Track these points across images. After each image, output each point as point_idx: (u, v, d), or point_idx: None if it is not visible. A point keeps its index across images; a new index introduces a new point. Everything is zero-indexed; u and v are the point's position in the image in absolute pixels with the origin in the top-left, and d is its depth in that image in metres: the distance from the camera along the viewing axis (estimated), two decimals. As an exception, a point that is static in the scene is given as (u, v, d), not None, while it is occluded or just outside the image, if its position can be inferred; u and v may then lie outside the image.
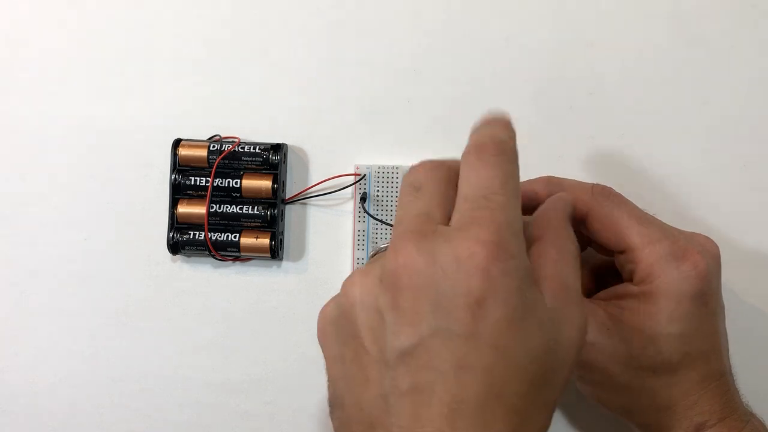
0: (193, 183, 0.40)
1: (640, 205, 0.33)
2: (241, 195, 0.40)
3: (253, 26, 0.41)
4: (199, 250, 0.40)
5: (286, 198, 0.41)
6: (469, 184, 0.26)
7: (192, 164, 0.40)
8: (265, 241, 0.40)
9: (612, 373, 0.31)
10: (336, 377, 0.26)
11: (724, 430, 0.30)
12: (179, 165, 0.41)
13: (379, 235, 0.40)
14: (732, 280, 0.38)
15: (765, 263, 0.39)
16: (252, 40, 0.41)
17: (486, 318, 0.23)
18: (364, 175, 0.40)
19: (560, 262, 0.26)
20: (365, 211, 0.40)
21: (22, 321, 0.42)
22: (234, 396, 0.41)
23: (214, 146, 0.40)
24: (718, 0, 0.39)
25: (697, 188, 0.39)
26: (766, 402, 0.34)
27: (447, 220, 0.26)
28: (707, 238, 0.33)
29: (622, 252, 0.32)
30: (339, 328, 0.26)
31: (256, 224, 0.40)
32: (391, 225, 0.39)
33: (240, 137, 0.41)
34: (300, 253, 0.41)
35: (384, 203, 0.40)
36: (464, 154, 0.27)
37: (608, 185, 0.34)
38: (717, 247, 0.32)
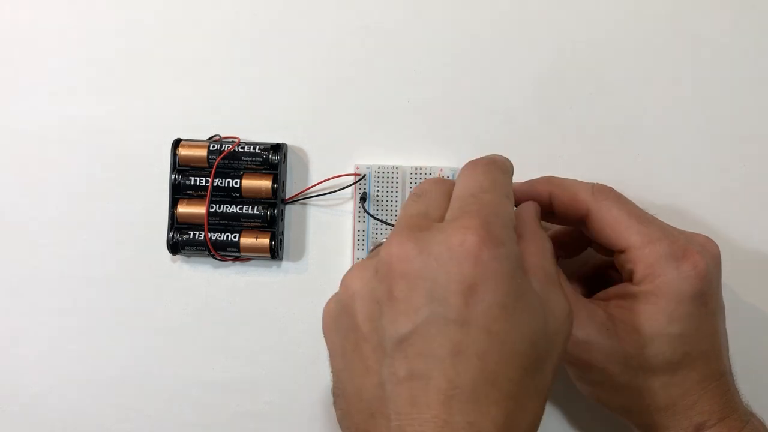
0: (193, 183, 0.40)
1: (640, 205, 0.33)
2: (241, 195, 0.40)
3: (253, 26, 0.41)
4: (199, 250, 0.40)
5: (286, 198, 0.41)
6: (460, 186, 0.28)
7: (192, 164, 0.41)
8: (265, 241, 0.40)
9: (612, 373, 0.31)
10: (338, 369, 0.27)
11: (724, 430, 0.31)
12: (179, 165, 0.41)
13: (379, 235, 0.40)
14: (732, 280, 0.38)
15: (765, 263, 0.39)
16: (252, 40, 0.41)
17: (479, 303, 0.24)
18: (364, 175, 0.40)
19: (540, 255, 0.27)
20: (365, 211, 0.40)
21: (22, 321, 0.42)
22: (234, 396, 0.41)
23: (214, 146, 0.40)
24: (718, 0, 0.39)
25: (697, 188, 0.39)
26: (766, 402, 0.34)
27: (443, 220, 0.27)
28: (707, 238, 0.33)
29: (621, 251, 0.32)
30: (340, 321, 0.27)
31: (256, 224, 0.40)
32: (391, 225, 0.39)
33: (240, 137, 0.41)
34: (300, 253, 0.41)
35: (384, 203, 0.40)
36: (460, 170, 0.29)
37: (608, 185, 0.34)
38: (717, 247, 0.32)
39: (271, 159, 0.40)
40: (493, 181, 0.28)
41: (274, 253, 0.40)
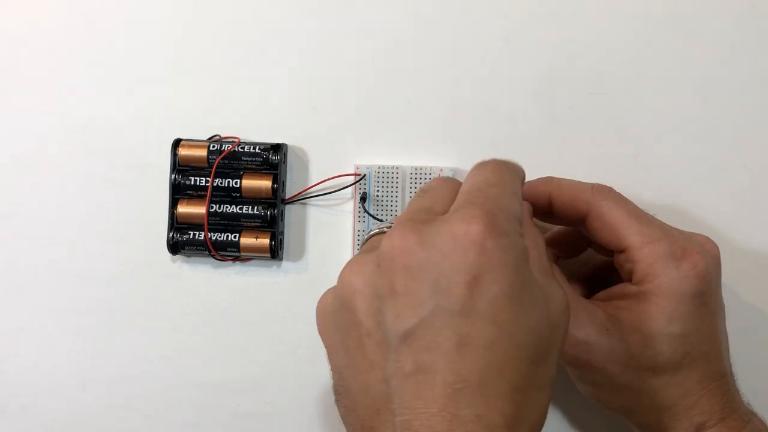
0: (193, 183, 0.40)
1: (639, 205, 0.33)
2: (241, 195, 0.40)
3: (252, 26, 0.41)
4: (199, 250, 0.40)
5: (286, 198, 0.41)
6: (468, 183, 0.28)
7: (192, 164, 0.41)
8: (265, 241, 0.40)
9: (612, 373, 0.31)
10: (340, 366, 0.27)
11: (724, 430, 0.30)
12: (179, 165, 0.41)
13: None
14: (732, 280, 0.38)
15: (765, 263, 0.39)
16: (252, 40, 0.41)
17: (485, 294, 0.24)
18: (364, 175, 0.40)
19: (536, 249, 0.27)
20: (365, 211, 0.40)
21: (22, 321, 0.42)
22: (234, 396, 0.41)
23: (214, 146, 0.40)
24: (717, 0, 0.39)
25: (696, 188, 0.39)
26: (767, 402, 0.34)
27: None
28: (707, 238, 0.33)
29: (621, 251, 0.32)
30: (340, 318, 0.26)
31: (256, 224, 0.40)
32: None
33: (240, 137, 0.41)
34: (300, 253, 0.41)
35: (384, 203, 0.40)
36: (470, 170, 0.29)
37: (608, 185, 0.34)
38: (717, 248, 0.32)
39: (271, 159, 0.40)
40: (501, 178, 0.28)
41: (274, 253, 0.40)
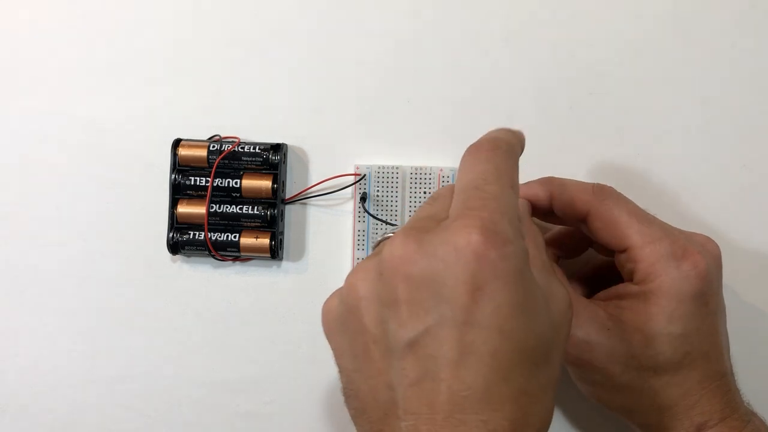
0: (193, 183, 0.40)
1: (640, 205, 0.33)
2: (241, 195, 0.40)
3: (252, 26, 0.41)
4: (199, 250, 0.40)
5: (286, 198, 0.41)
6: (463, 178, 0.27)
7: (192, 164, 0.40)
8: (265, 241, 0.40)
9: (612, 373, 0.31)
10: (348, 369, 0.27)
11: (725, 430, 0.31)
12: (179, 165, 0.41)
13: (379, 235, 0.40)
14: (732, 281, 0.38)
15: (765, 263, 0.39)
16: (252, 40, 0.41)
17: (489, 303, 0.23)
18: (364, 175, 0.40)
19: (535, 247, 0.27)
20: (365, 211, 0.40)
21: (22, 321, 0.42)
22: (234, 396, 0.41)
23: (214, 146, 0.40)
24: (717, 0, 0.39)
25: (696, 188, 0.39)
26: (767, 402, 0.34)
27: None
28: (708, 238, 0.33)
29: (622, 251, 0.32)
30: (346, 323, 0.26)
31: (256, 224, 0.40)
32: (391, 224, 0.39)
33: (240, 137, 0.41)
34: (300, 253, 0.41)
35: (384, 203, 0.40)
36: (462, 155, 0.28)
37: (608, 185, 0.34)
38: (717, 248, 0.32)
39: (271, 159, 0.40)
40: (497, 169, 0.27)
41: (274, 253, 0.40)
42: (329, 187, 0.40)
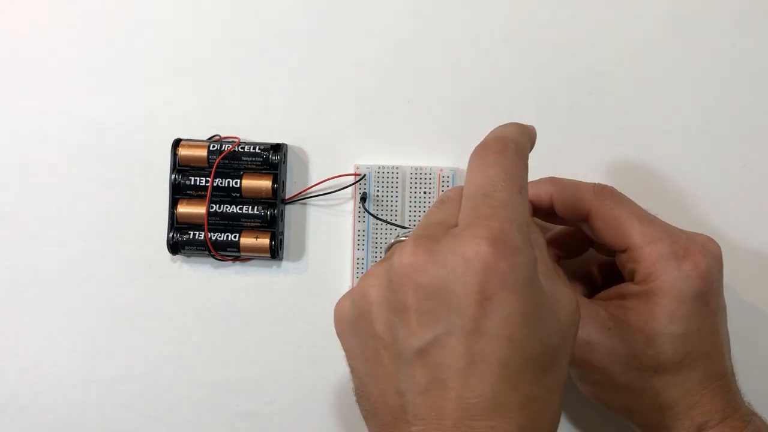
0: (193, 183, 0.40)
1: (640, 205, 0.33)
2: (241, 195, 0.40)
3: (252, 26, 0.41)
4: (199, 250, 0.40)
5: (286, 198, 0.41)
6: (471, 184, 0.27)
7: (192, 164, 0.40)
8: (265, 241, 0.40)
9: (613, 373, 0.31)
10: (361, 372, 0.27)
11: (725, 430, 0.31)
12: (179, 165, 0.41)
13: (379, 235, 0.40)
14: (732, 281, 0.38)
15: (765, 263, 0.39)
16: (252, 40, 0.41)
17: (498, 313, 0.24)
18: (364, 175, 0.40)
19: (539, 251, 0.27)
20: (366, 211, 0.40)
21: (22, 321, 0.42)
22: (234, 396, 0.41)
23: (214, 146, 0.40)
24: (717, 0, 0.39)
25: (696, 188, 0.39)
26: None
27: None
28: (709, 238, 0.33)
29: (623, 251, 0.32)
30: (358, 327, 0.27)
31: (256, 224, 0.40)
32: (391, 224, 0.39)
33: (240, 137, 0.41)
34: (300, 253, 0.41)
35: (384, 203, 0.40)
36: (470, 155, 0.28)
37: (609, 185, 0.34)
38: (718, 248, 0.32)
39: (271, 159, 0.40)
40: (505, 173, 0.26)
41: (274, 253, 0.40)
42: (329, 187, 0.40)
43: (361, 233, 0.40)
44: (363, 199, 0.40)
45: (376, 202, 0.40)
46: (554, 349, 0.25)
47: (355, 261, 0.40)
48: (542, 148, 0.39)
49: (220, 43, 0.42)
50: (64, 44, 0.42)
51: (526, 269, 0.24)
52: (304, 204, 0.41)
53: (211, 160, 0.40)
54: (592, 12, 0.40)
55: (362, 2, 0.41)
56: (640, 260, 0.31)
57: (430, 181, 0.40)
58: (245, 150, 0.40)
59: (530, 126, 0.29)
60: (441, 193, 0.39)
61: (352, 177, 0.40)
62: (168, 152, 0.41)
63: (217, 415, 0.41)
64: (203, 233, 0.40)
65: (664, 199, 0.39)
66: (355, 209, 0.40)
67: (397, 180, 0.40)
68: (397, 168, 0.40)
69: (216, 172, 0.40)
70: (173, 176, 0.41)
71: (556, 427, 0.25)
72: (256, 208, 0.40)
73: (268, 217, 0.40)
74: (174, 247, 0.41)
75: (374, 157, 0.40)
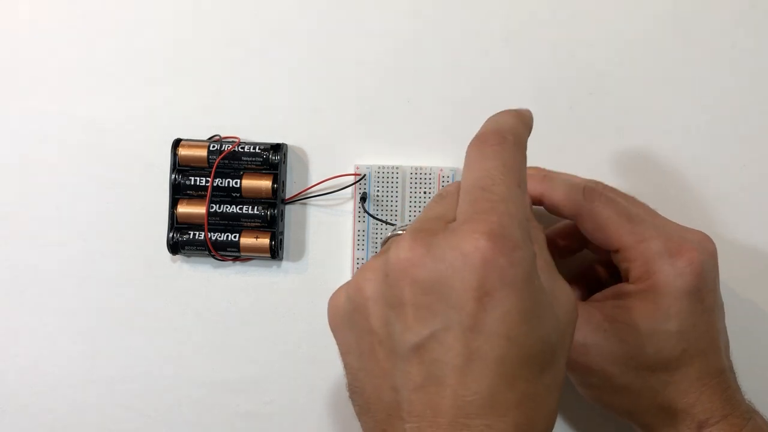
0: (193, 183, 0.40)
1: (640, 204, 0.33)
2: (241, 195, 0.40)
3: (252, 26, 0.41)
4: (199, 250, 0.40)
5: (286, 198, 0.41)
6: (469, 177, 0.26)
7: (192, 164, 0.40)
8: (265, 241, 0.40)
9: (611, 374, 0.31)
10: (354, 367, 0.27)
11: (726, 428, 0.30)
12: (179, 165, 0.41)
13: (379, 235, 0.40)
14: (732, 281, 0.38)
15: (766, 263, 0.39)
16: (252, 40, 0.41)
17: (496, 309, 0.23)
18: (364, 175, 0.40)
19: (540, 247, 0.27)
20: (365, 211, 0.40)
21: (22, 321, 0.42)
22: (234, 396, 0.41)
23: (214, 146, 0.40)
24: (717, 0, 0.39)
25: (696, 188, 0.39)
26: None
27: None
28: (704, 235, 0.32)
29: (616, 251, 0.32)
30: (353, 322, 0.26)
31: (256, 224, 0.40)
32: (391, 224, 0.39)
33: (240, 137, 0.41)
34: (300, 253, 0.41)
35: (384, 203, 0.40)
36: (467, 147, 0.27)
37: (601, 181, 0.34)
38: (713, 244, 0.32)
39: (271, 159, 0.40)
40: (504, 166, 0.26)
41: (274, 253, 0.40)
42: (329, 187, 0.40)
43: (361, 233, 0.40)
44: (363, 199, 0.40)
45: (376, 202, 0.40)
46: (552, 347, 0.25)
47: (355, 261, 0.40)
48: (542, 148, 0.39)
49: (220, 43, 0.42)
50: (64, 44, 0.42)
51: (526, 265, 0.24)
52: (304, 204, 0.41)
53: (211, 160, 0.40)
54: (592, 12, 0.40)
55: (362, 2, 0.41)
56: (632, 259, 0.31)
57: (430, 181, 0.40)
58: (245, 150, 0.40)
59: (526, 111, 0.29)
60: (441, 192, 0.39)
61: (352, 177, 0.40)
62: (168, 152, 0.41)
63: (217, 415, 0.41)
64: (203, 233, 0.40)
65: (664, 199, 0.39)
66: (355, 209, 0.40)
67: (397, 180, 0.40)
68: (397, 168, 0.40)
69: (216, 172, 0.40)
70: (173, 176, 0.41)
71: (552, 425, 0.25)
72: (256, 208, 0.40)
73: (268, 217, 0.40)
74: (174, 247, 0.41)
75: (374, 157, 0.40)
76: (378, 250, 0.40)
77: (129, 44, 0.42)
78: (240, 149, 0.40)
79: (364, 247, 0.40)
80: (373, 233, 0.40)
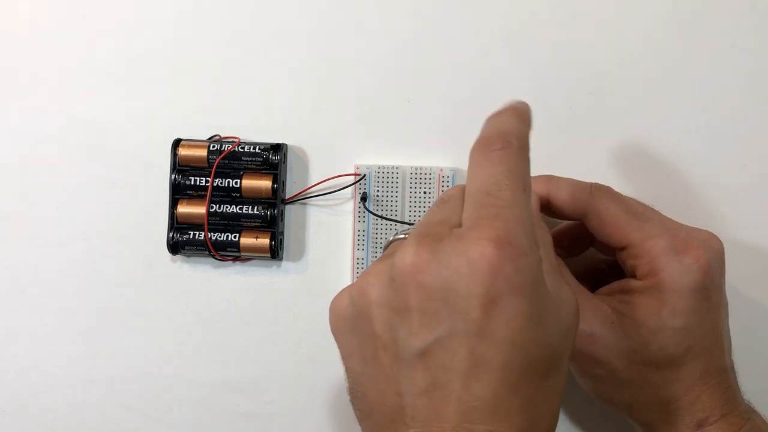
0: (193, 183, 0.40)
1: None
2: (241, 195, 0.40)
3: (252, 26, 0.41)
4: (199, 250, 0.40)
5: (286, 198, 0.41)
6: (474, 182, 0.26)
7: (192, 164, 0.40)
8: (265, 241, 0.40)
9: (615, 367, 0.31)
10: (357, 372, 0.27)
11: (725, 427, 0.31)
12: (179, 165, 0.41)
13: (379, 235, 0.40)
14: (733, 281, 0.38)
15: (765, 263, 0.39)
16: (252, 40, 0.41)
17: (502, 315, 0.23)
18: (364, 175, 0.40)
19: (545, 250, 0.26)
20: (367, 209, 0.40)
21: (22, 321, 0.42)
22: (234, 396, 0.41)
23: (214, 146, 0.40)
24: (717, 0, 0.39)
25: (697, 188, 0.39)
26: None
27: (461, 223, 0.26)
28: (710, 234, 0.33)
29: (623, 248, 0.32)
30: (356, 326, 0.26)
31: (256, 224, 0.40)
32: (391, 220, 0.39)
33: (240, 137, 0.41)
34: (300, 253, 0.41)
35: (384, 203, 0.40)
36: (471, 150, 0.27)
37: (609, 185, 0.34)
38: (720, 243, 0.32)
39: (271, 159, 0.40)
40: (509, 171, 0.25)
41: (274, 253, 0.40)
42: (329, 187, 0.40)
43: (361, 233, 0.40)
44: (363, 199, 0.40)
45: (376, 202, 0.40)
46: (556, 352, 0.25)
47: (355, 261, 0.40)
48: (542, 148, 0.39)
49: (220, 43, 0.42)
50: (64, 44, 0.42)
51: (532, 271, 0.24)
52: (304, 204, 0.41)
53: (211, 160, 0.40)
54: (592, 12, 0.40)
55: (362, 2, 0.41)
56: (639, 256, 0.31)
57: (430, 181, 0.40)
58: (245, 150, 0.40)
59: (524, 107, 0.28)
60: (441, 193, 0.39)
61: (352, 177, 0.40)
62: (168, 152, 0.41)
63: (217, 415, 0.41)
64: (203, 233, 0.40)
65: (664, 199, 0.39)
66: (355, 209, 0.40)
67: (397, 180, 0.40)
68: (397, 168, 0.40)
69: (216, 172, 0.40)
70: (173, 176, 0.41)
71: (554, 428, 0.25)
72: (256, 208, 0.40)
73: (268, 217, 0.40)
74: (174, 247, 0.41)
75: (374, 157, 0.40)
76: (378, 251, 0.40)
77: (129, 44, 0.42)
78: (240, 149, 0.40)
79: (364, 247, 0.40)
80: (373, 233, 0.40)
